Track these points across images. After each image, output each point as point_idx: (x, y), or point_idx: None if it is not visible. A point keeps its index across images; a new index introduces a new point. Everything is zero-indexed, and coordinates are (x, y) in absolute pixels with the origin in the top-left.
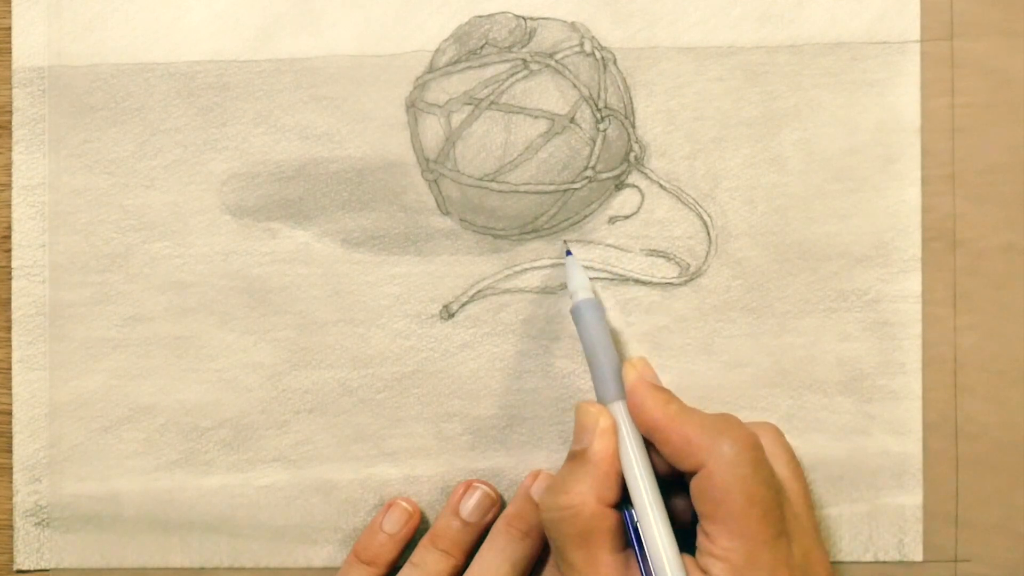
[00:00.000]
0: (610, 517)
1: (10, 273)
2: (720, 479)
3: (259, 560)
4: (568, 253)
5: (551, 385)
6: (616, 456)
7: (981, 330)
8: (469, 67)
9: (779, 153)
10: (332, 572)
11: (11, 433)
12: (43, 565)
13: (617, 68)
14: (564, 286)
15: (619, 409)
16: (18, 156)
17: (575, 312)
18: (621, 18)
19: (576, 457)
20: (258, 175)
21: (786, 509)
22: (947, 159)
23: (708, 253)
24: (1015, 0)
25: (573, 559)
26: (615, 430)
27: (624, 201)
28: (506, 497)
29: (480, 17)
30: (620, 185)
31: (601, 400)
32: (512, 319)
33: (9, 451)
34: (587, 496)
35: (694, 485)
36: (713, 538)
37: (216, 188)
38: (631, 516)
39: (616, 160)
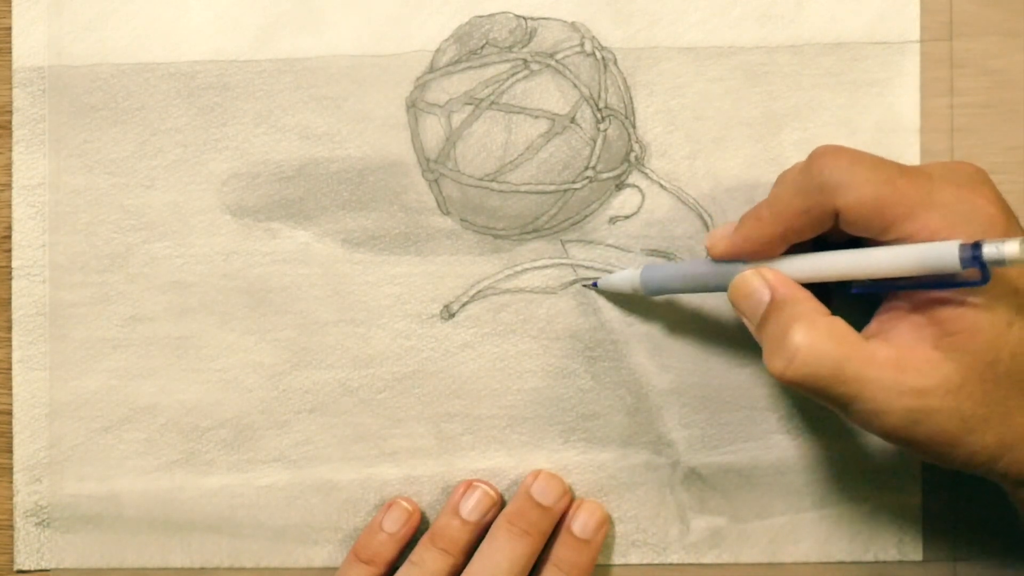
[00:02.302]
0: (839, 324)
1: (10, 273)
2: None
3: (259, 560)
4: (594, 284)
5: (551, 385)
6: (794, 284)
7: None
8: (469, 67)
9: (779, 153)
10: (332, 572)
11: (11, 433)
12: (43, 565)
13: (617, 68)
14: (564, 286)
15: (755, 270)
16: (18, 156)
17: (646, 281)
18: (621, 18)
19: (767, 320)
20: (258, 175)
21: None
22: (946, 159)
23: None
24: (1015, 0)
25: (852, 376)
26: (775, 272)
27: (624, 201)
28: (506, 497)
29: (480, 17)
30: (620, 185)
31: (733, 284)
32: (512, 319)
33: (9, 451)
34: (806, 335)
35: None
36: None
37: (216, 188)
38: (860, 287)
39: (616, 160)
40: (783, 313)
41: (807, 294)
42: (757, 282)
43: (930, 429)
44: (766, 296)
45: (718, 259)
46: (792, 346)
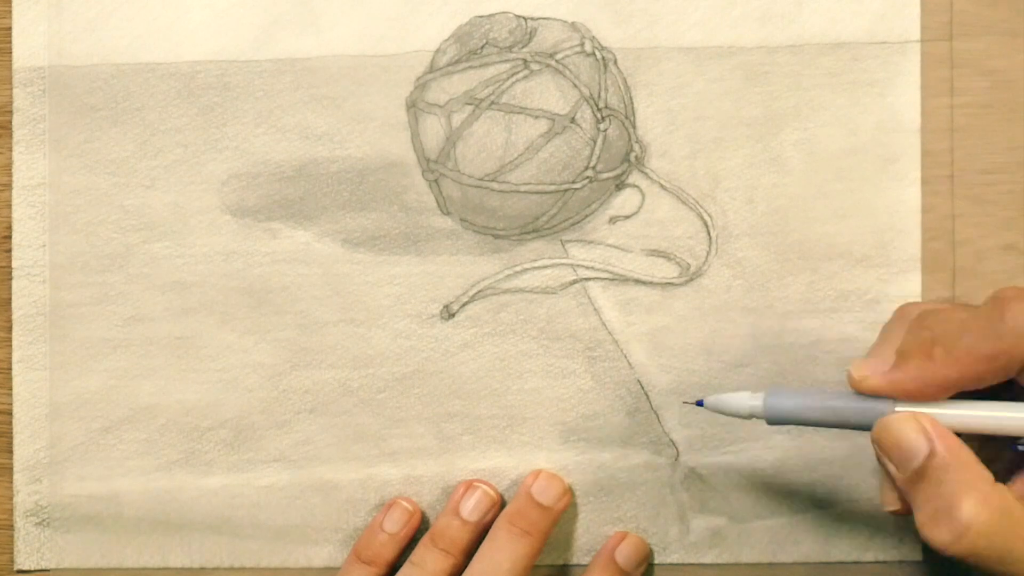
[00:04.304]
0: (1007, 498)
1: (10, 273)
2: None
3: (259, 560)
4: (699, 403)
5: (551, 385)
6: (956, 440)
7: None
8: (470, 67)
9: (779, 153)
10: (332, 572)
11: (11, 433)
12: (43, 565)
13: (617, 68)
14: (564, 286)
15: (912, 415)
16: (18, 156)
17: (771, 409)
18: (621, 18)
19: (926, 479)
20: (258, 175)
21: None
22: (947, 159)
23: (708, 253)
24: (1015, 0)
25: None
26: (934, 421)
27: (625, 201)
28: (506, 497)
29: (480, 17)
30: (621, 185)
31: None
32: (512, 319)
33: (9, 451)
34: (979, 512)
35: None
36: None
37: (216, 188)
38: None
39: (616, 160)
40: (948, 477)
41: (971, 455)
42: (913, 431)
43: None
44: (924, 449)
45: (865, 393)
46: (963, 522)
